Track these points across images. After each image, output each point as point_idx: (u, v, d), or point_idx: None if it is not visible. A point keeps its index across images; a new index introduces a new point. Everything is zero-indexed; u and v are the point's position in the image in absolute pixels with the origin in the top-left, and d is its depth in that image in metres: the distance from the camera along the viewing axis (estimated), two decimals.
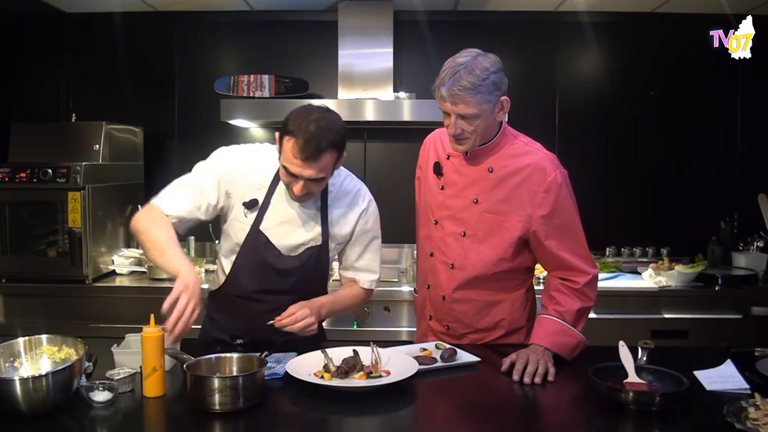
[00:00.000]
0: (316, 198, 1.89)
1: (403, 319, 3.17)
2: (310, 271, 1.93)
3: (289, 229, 1.89)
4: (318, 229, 1.91)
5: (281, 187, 1.87)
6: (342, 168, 1.94)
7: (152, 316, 1.53)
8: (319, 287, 2.00)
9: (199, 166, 1.90)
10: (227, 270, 1.94)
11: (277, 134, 1.78)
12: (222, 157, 1.91)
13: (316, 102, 3.24)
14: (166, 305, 1.57)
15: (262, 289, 1.90)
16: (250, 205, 1.87)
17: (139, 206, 3.53)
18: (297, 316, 1.78)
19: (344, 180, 1.98)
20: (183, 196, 1.85)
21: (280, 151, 1.76)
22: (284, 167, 1.74)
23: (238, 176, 1.87)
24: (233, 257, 1.92)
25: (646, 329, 3.05)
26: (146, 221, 1.81)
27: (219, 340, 1.91)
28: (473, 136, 1.81)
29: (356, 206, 1.96)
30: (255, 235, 1.87)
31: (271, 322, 1.78)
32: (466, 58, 1.74)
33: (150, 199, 1.87)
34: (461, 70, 1.72)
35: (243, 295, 1.92)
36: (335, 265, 2.34)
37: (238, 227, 1.90)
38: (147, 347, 1.49)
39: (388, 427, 1.47)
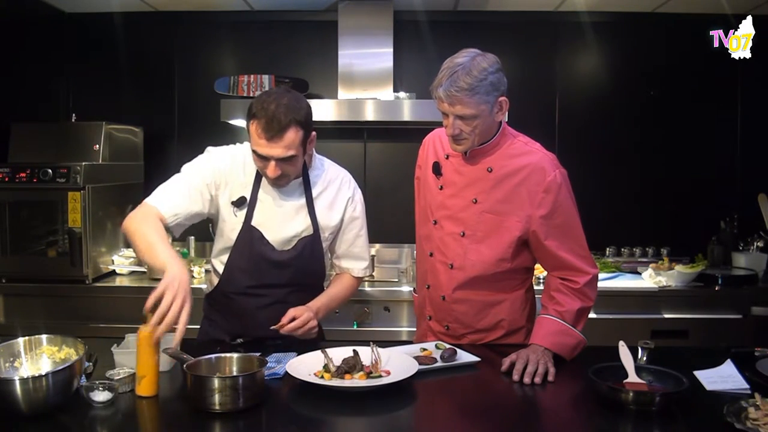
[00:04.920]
0: (301, 190, 1.92)
1: (403, 319, 3.17)
2: (306, 262, 1.95)
3: (280, 222, 1.91)
4: (308, 220, 1.93)
5: (266, 181, 1.88)
6: (324, 158, 2.01)
7: (149, 315, 1.52)
8: (317, 281, 2.02)
9: (187, 166, 1.92)
10: (220, 270, 1.96)
11: (245, 124, 1.82)
12: (208, 157, 1.93)
13: (315, 102, 3.27)
14: (149, 303, 1.49)
15: (259, 284, 1.91)
16: (238, 203, 1.89)
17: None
18: (301, 320, 1.79)
19: (327, 170, 2.01)
20: (175, 193, 1.84)
21: (249, 139, 1.80)
22: (254, 152, 1.78)
23: (224, 175, 1.89)
24: (226, 256, 1.93)
25: (646, 329, 3.06)
26: (136, 221, 1.77)
27: (219, 341, 1.91)
28: (471, 137, 1.81)
29: (342, 194, 2.00)
30: (248, 231, 1.89)
31: (275, 327, 1.79)
32: (465, 59, 1.74)
33: (143, 201, 1.86)
34: (459, 70, 1.71)
35: (239, 291, 1.93)
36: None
37: (229, 227, 1.91)
38: (142, 347, 1.48)
39: (388, 427, 1.47)
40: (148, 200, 1.84)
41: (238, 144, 2.00)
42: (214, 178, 1.87)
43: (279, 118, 1.72)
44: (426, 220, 2.02)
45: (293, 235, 1.92)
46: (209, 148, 1.96)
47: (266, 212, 1.90)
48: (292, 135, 1.75)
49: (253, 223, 1.89)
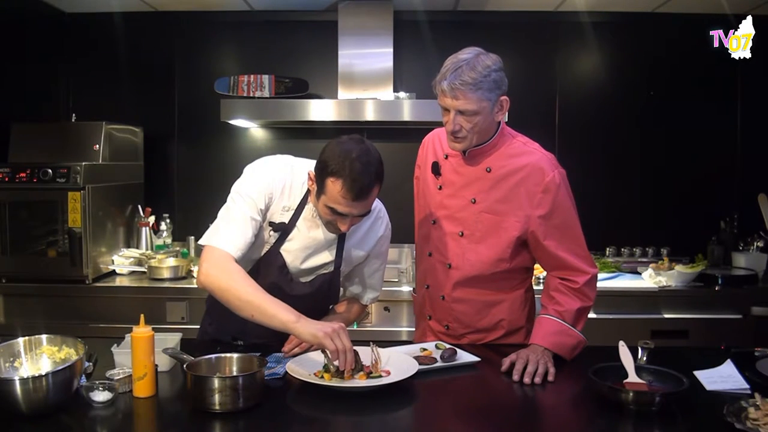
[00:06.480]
0: None
1: (403, 319, 3.17)
2: (320, 298, 1.92)
3: (307, 254, 1.86)
4: (332, 256, 1.88)
5: (307, 211, 1.83)
6: None
7: (142, 316, 1.52)
8: (326, 309, 2.00)
9: (240, 192, 1.79)
10: None
11: (311, 172, 1.73)
12: (259, 178, 1.81)
13: (315, 102, 3.27)
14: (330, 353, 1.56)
15: None
16: (277, 228, 1.82)
17: (140, 207, 3.57)
18: (303, 347, 1.78)
19: None
20: (240, 231, 1.75)
21: (321, 191, 1.69)
22: (330, 208, 1.68)
23: (272, 198, 1.81)
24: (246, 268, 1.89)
25: (646, 329, 3.05)
26: (221, 276, 1.68)
27: (219, 341, 1.91)
28: (471, 134, 1.80)
29: (374, 232, 1.94)
30: (274, 256, 1.84)
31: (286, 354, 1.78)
32: (468, 55, 1.74)
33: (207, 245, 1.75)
34: (463, 65, 1.72)
35: None
36: None
37: (258, 242, 1.83)
38: (137, 348, 1.48)
39: (388, 427, 1.47)
40: (213, 244, 1.72)
41: (285, 160, 1.87)
42: (264, 201, 1.79)
43: (366, 177, 1.63)
44: (425, 220, 2.02)
45: (315, 266, 1.88)
46: (258, 166, 1.83)
47: (299, 241, 1.85)
48: (375, 193, 1.69)
49: (282, 249, 1.84)
